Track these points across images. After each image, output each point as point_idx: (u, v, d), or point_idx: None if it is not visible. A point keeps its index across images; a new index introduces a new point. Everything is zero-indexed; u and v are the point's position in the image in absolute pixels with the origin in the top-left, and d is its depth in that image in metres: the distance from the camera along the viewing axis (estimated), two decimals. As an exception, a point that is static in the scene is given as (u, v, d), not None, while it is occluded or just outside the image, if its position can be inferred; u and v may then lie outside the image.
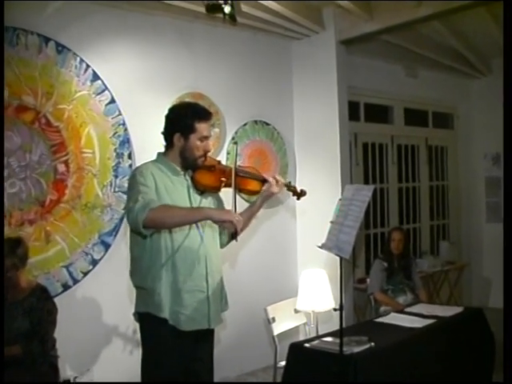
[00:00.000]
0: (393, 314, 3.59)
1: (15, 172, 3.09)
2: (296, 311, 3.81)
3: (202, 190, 2.49)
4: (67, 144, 3.28)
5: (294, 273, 4.44)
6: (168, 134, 2.48)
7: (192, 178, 2.49)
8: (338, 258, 2.64)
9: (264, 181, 2.65)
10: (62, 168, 3.26)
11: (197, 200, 2.48)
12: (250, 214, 2.63)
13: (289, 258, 4.49)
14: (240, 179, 2.52)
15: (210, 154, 2.54)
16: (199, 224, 2.44)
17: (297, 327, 3.97)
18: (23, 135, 3.12)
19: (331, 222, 2.73)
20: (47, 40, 3.18)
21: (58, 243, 3.23)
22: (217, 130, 3.97)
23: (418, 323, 3.24)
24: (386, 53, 5.03)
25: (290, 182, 2.79)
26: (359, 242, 5.11)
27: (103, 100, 3.42)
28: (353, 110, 4.85)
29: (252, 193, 2.65)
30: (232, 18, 3.14)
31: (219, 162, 2.60)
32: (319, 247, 2.74)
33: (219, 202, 2.63)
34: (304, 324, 3.84)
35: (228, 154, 4.05)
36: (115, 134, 3.47)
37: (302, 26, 4.20)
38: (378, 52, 4.97)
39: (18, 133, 3.10)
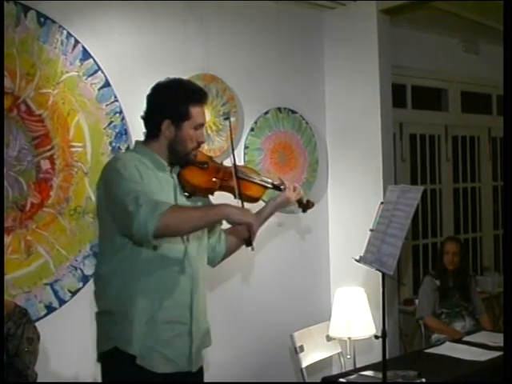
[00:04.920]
0: (448, 344, 3.62)
1: (-12, 170, 3.10)
2: (329, 338, 3.85)
3: (190, 193, 2.39)
4: (52, 136, 3.27)
5: (326, 292, 4.41)
6: (153, 120, 2.37)
7: (179, 176, 2.38)
8: (379, 275, 2.65)
9: (271, 187, 2.59)
10: (46, 165, 3.25)
11: (185, 205, 2.36)
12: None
13: (320, 274, 4.45)
14: (239, 182, 2.42)
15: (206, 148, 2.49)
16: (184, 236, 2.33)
17: (330, 358, 3.99)
18: (-2, 125, 3.12)
19: (371, 231, 2.75)
20: (27, 9, 3.16)
21: (40, 256, 3.22)
22: (233, 119, 3.96)
23: (480, 356, 3.24)
24: (440, 23, 4.99)
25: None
26: (405, 254, 5.10)
27: (95, 83, 3.41)
28: (398, 95, 4.84)
29: (252, 199, 2.54)
30: None
31: (211, 158, 2.52)
32: (357, 261, 2.77)
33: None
34: (338, 354, 3.86)
35: (246, 148, 4.03)
36: (110, 124, 3.47)
37: (335, -8, 4.19)
38: (430, 23, 4.93)
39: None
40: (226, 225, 2.51)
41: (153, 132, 2.37)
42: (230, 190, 2.43)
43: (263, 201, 2.65)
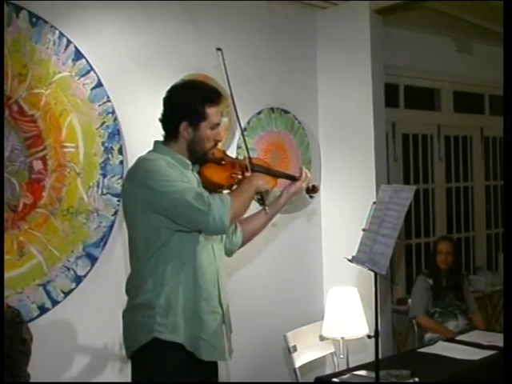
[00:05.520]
0: (441, 343, 3.63)
1: (-20, 171, 3.08)
2: (322, 338, 3.85)
3: (211, 190, 2.46)
4: (45, 136, 3.26)
5: (319, 292, 4.42)
6: (171, 122, 2.44)
7: (200, 175, 2.47)
8: (372, 274, 2.65)
9: (280, 177, 2.70)
10: (38, 165, 3.24)
11: None
12: (272, 214, 2.66)
13: (312, 273, 4.46)
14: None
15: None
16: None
17: (323, 358, 3.99)
18: (-10, 126, 3.10)
19: (364, 230, 2.75)
20: (18, 9, 3.15)
21: (33, 256, 3.21)
22: (225, 119, 3.95)
23: (473, 355, 3.24)
24: (433, 23, 5.01)
25: None
26: (398, 254, 5.10)
27: (88, 83, 3.40)
28: (390, 95, 4.83)
29: None
30: None
31: (225, 153, 2.60)
32: (349, 261, 2.77)
33: None
34: (332, 354, 3.87)
35: (239, 148, 4.02)
36: (103, 124, 3.46)
37: (328, -8, 4.20)
38: (422, 23, 4.94)
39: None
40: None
41: (171, 133, 2.45)
42: None
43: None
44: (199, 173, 2.48)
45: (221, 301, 2.45)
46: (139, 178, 2.37)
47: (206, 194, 2.28)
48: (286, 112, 4.30)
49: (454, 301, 4.32)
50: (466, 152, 5.84)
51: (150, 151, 2.50)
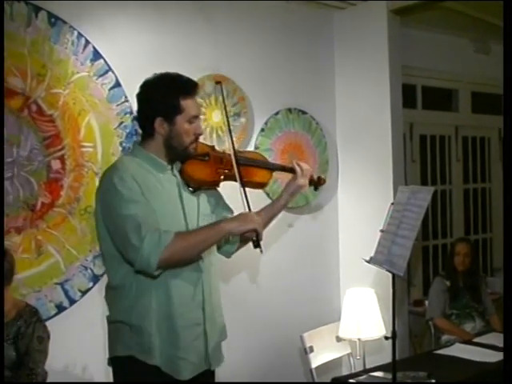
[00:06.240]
0: (458, 345, 3.62)
1: (0, 170, 3.09)
2: (338, 339, 3.84)
3: (195, 188, 2.36)
4: (63, 136, 3.27)
5: (336, 293, 4.40)
6: (145, 118, 2.32)
7: (181, 173, 2.34)
8: (389, 276, 2.64)
9: (276, 169, 2.58)
10: (56, 165, 3.26)
11: (191, 202, 2.33)
12: (270, 215, 2.52)
13: (329, 274, 4.44)
14: (243, 169, 2.38)
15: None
16: None
17: (339, 359, 3.97)
18: (9, 125, 3.10)
19: (381, 232, 2.74)
20: (37, 9, 3.17)
21: (51, 255, 3.22)
22: (243, 119, 3.96)
23: (490, 357, 3.21)
24: (450, 24, 4.97)
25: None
26: (416, 255, 5.08)
27: (106, 83, 3.42)
28: (408, 95, 4.81)
29: (260, 185, 2.55)
30: None
31: (213, 148, 2.48)
32: (367, 262, 2.75)
33: (217, 198, 2.50)
34: (348, 355, 3.86)
35: (257, 148, 4.01)
36: (121, 124, 3.47)
37: (346, -8, 4.18)
38: (440, 23, 4.92)
39: (4, 122, 3.09)
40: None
41: (147, 131, 2.33)
42: (235, 178, 2.38)
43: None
44: (181, 171, 2.34)
45: (205, 309, 2.30)
46: (101, 189, 2.27)
47: (146, 226, 2.09)
48: (304, 113, 4.29)
49: (472, 302, 4.29)
50: (483, 153, 5.81)
51: (127, 153, 2.43)
